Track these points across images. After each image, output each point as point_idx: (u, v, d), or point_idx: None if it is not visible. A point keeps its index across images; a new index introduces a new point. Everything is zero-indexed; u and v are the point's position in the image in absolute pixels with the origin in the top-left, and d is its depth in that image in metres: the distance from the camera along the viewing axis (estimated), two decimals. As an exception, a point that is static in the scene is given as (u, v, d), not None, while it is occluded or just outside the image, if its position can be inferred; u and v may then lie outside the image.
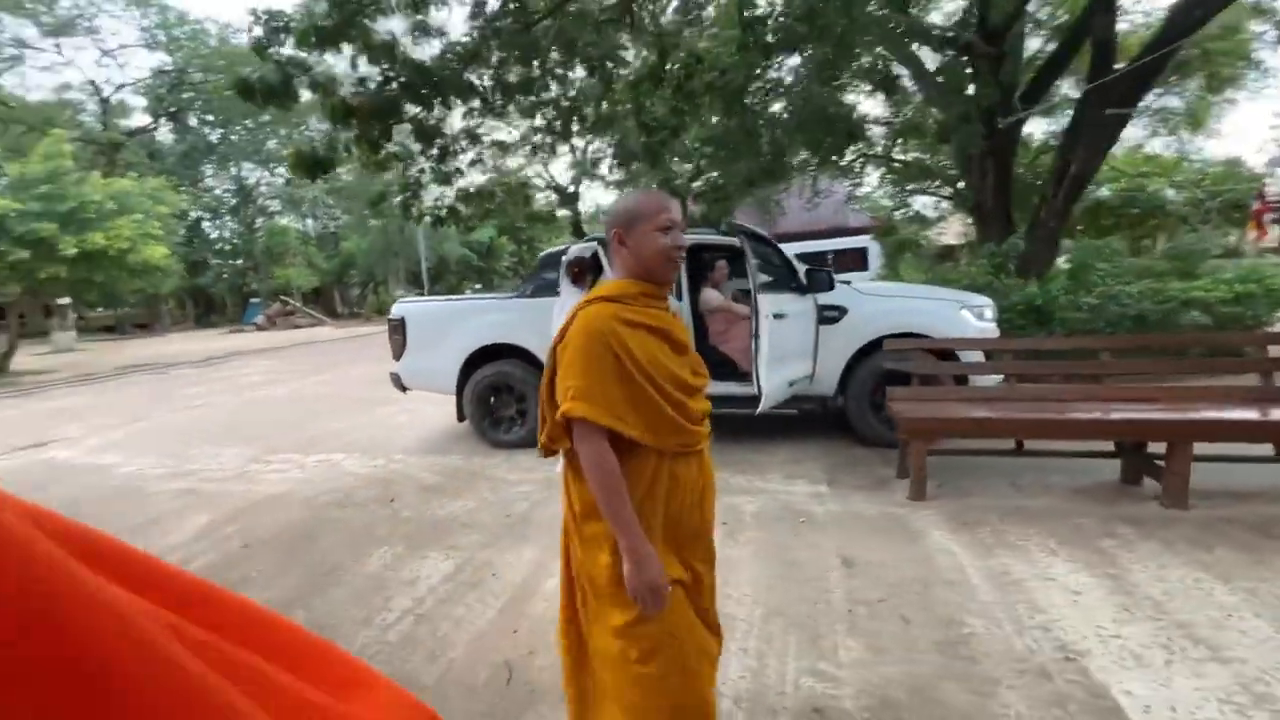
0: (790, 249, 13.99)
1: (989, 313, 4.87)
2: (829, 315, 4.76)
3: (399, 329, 5.63)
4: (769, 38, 4.58)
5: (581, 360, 1.34)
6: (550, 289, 4.98)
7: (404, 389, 5.79)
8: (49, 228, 13.96)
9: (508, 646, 2.44)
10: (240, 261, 35.65)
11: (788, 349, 4.40)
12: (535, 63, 4.66)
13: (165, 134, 32.35)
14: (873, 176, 16.18)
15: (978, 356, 4.49)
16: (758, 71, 5.68)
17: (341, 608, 2.82)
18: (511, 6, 4.39)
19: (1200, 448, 3.27)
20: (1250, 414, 3.21)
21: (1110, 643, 2.22)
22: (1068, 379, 4.31)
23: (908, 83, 8.26)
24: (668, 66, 5.12)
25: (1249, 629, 2.25)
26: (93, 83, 26.26)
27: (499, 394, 5.42)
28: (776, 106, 6.44)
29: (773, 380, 4.13)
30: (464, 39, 4.50)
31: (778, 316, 4.16)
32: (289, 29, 3.99)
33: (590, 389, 1.33)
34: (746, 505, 3.76)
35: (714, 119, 6.08)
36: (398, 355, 5.67)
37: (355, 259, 34.76)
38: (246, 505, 4.29)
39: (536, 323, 5.01)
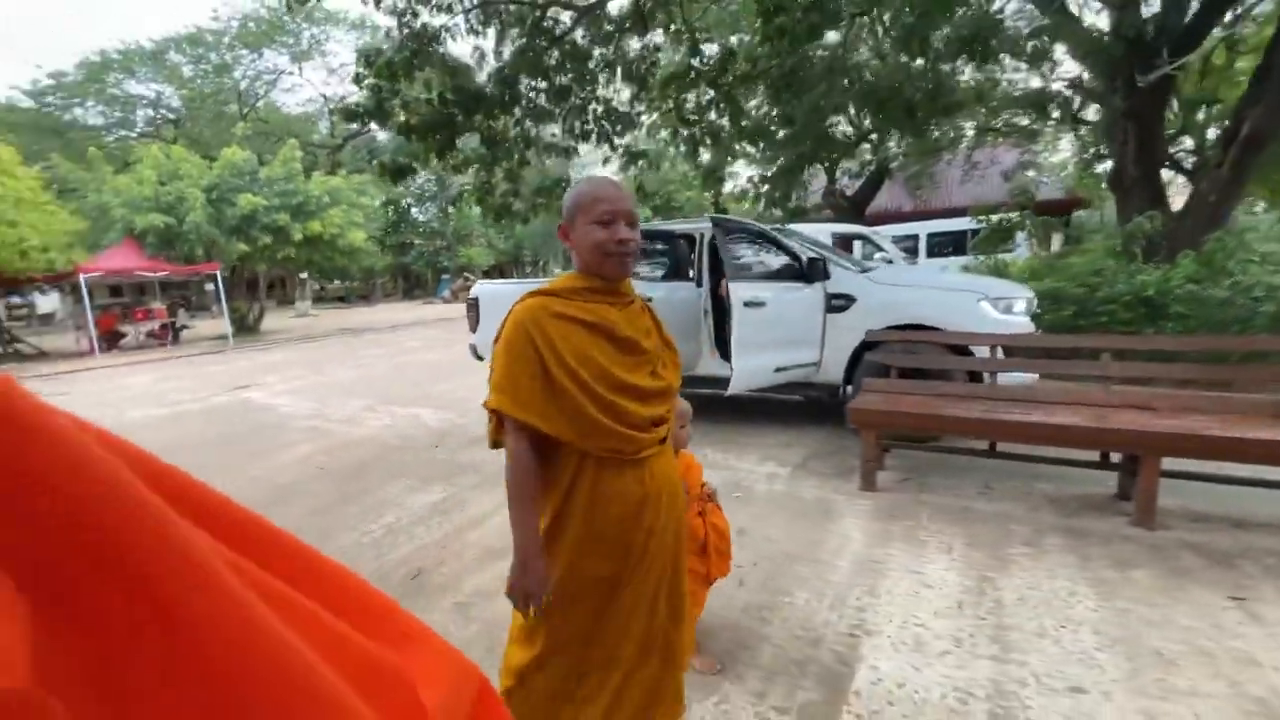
0: (888, 231, 13.11)
1: (1020, 306, 4.51)
2: (836, 304, 4.76)
3: (474, 307, 6.63)
4: (792, 27, 4.61)
5: (504, 354, 1.33)
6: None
7: (479, 358, 6.81)
8: (284, 218, 17.62)
9: (431, 557, 3.16)
10: (437, 242, 41.21)
11: (775, 335, 4.54)
12: (561, 77, 5.21)
13: (383, 136, 38.34)
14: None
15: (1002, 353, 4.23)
16: (809, 53, 5.62)
17: (345, 519, 3.75)
18: (534, 27, 4.98)
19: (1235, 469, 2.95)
20: (1244, 432, 2.80)
21: (908, 629, 2.32)
22: (1115, 381, 3.91)
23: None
24: (698, 61, 5.34)
25: (1069, 642, 2.19)
26: (324, 96, 31.96)
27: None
28: (845, 81, 6.27)
29: (747, 364, 4.34)
30: (497, 62, 5.23)
31: (752, 304, 4.34)
32: (371, 64, 5.05)
33: (509, 383, 1.31)
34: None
35: (763, 107, 6.11)
36: (473, 329, 6.69)
37: (524, 241, 38.33)
38: (340, 443, 5.55)
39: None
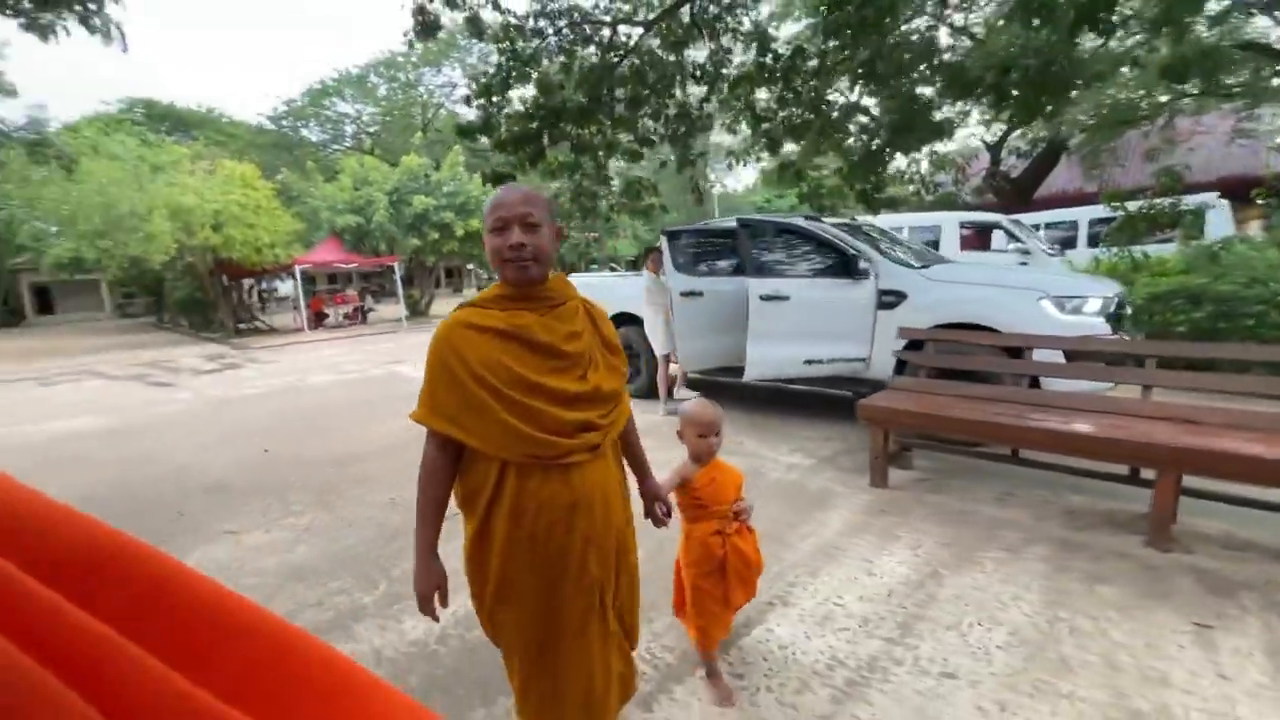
0: (1048, 218, 11.89)
1: (1092, 306, 4.14)
2: (887, 300, 4.71)
3: (567, 297, 7.36)
4: (851, 21, 4.59)
5: (427, 366, 1.37)
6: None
7: (573, 344, 7.53)
8: (449, 215, 20.05)
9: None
10: (588, 235, 43.84)
11: (801, 329, 4.69)
12: (636, 87, 5.58)
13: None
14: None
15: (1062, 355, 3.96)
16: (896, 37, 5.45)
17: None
18: (609, 44, 5.38)
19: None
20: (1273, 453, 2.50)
21: (824, 606, 2.49)
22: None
23: None
24: (767, 60, 5.40)
25: (975, 637, 2.24)
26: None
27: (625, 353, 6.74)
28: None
29: (761, 353, 4.58)
30: (580, 77, 5.77)
31: (771, 298, 4.54)
32: (476, 85, 5.89)
33: (428, 395, 1.36)
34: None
35: (844, 97, 5.97)
36: (565, 318, 7.43)
37: (666, 232, 39.36)
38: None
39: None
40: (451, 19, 5.88)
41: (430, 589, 1.40)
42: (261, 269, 18.39)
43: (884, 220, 8.76)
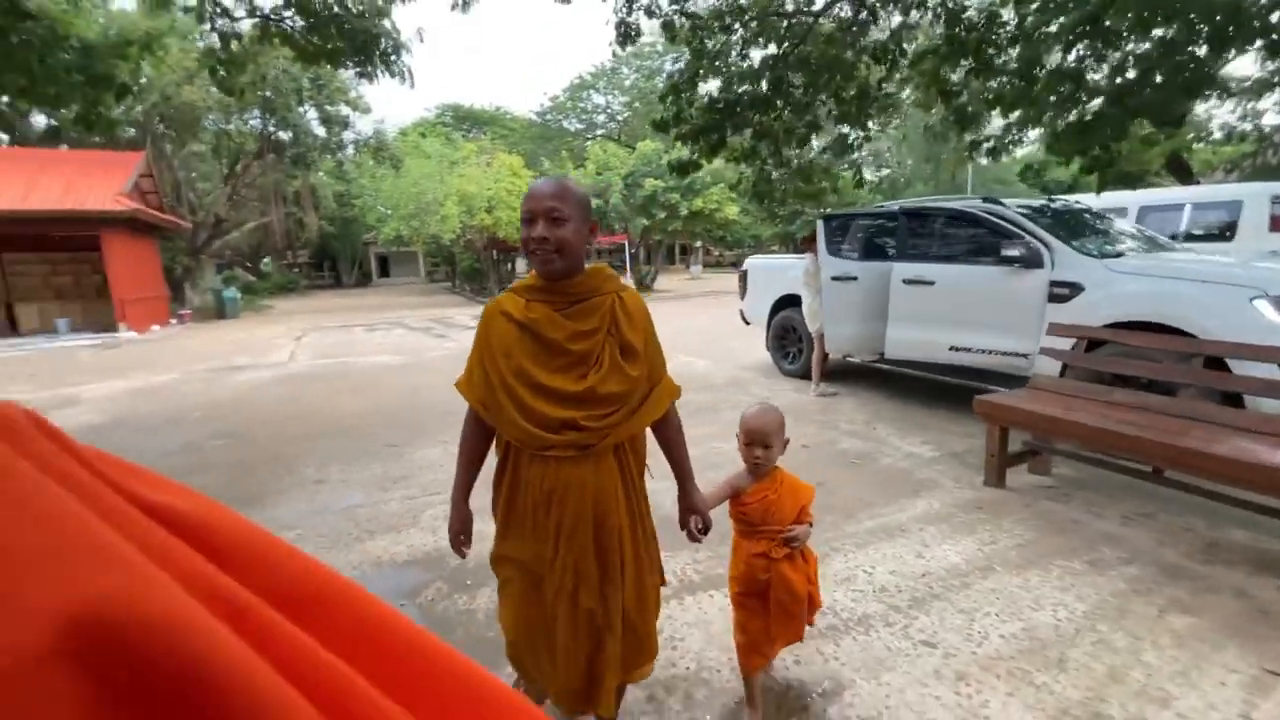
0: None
1: (1338, 309, 3.30)
2: (1058, 293, 4.28)
3: (743, 278, 7.75)
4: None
5: (473, 342, 1.53)
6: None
7: (746, 322, 7.91)
8: (675, 196, 21.39)
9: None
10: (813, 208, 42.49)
11: (947, 315, 4.61)
12: (814, 74, 5.51)
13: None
14: None
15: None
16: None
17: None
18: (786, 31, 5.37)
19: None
20: None
21: (853, 571, 2.71)
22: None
23: None
24: (959, 30, 4.92)
25: (983, 625, 2.30)
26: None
27: (788, 333, 6.95)
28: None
29: (898, 335, 4.82)
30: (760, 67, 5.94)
31: (914, 282, 4.46)
32: (666, 84, 6.52)
33: (468, 368, 1.52)
34: (846, 442, 4.49)
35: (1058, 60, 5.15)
36: (742, 296, 7.82)
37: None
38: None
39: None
40: (650, 26, 6.60)
41: (458, 529, 1.61)
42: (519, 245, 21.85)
43: (1109, 199, 7.38)
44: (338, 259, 36.54)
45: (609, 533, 1.49)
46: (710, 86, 6.67)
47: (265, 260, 32.67)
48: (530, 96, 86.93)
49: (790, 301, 6.86)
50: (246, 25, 6.31)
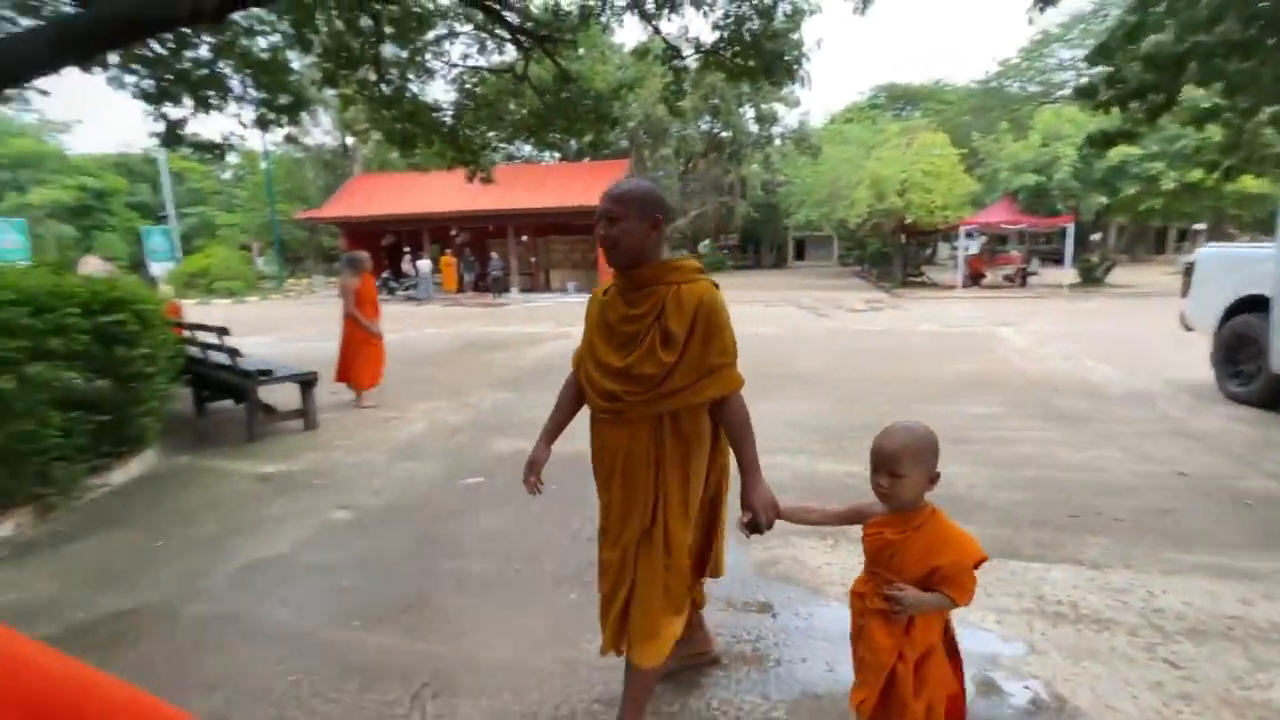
0: None
1: None
2: None
3: (1188, 271, 6.12)
4: None
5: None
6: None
7: (1187, 329, 6.23)
8: (1158, 165, 16.79)
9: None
10: None
11: None
12: None
13: None
14: None
15: None
16: None
17: (904, 393, 5.56)
18: None
19: None
20: None
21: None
22: None
23: None
24: None
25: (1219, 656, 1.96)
26: None
27: (1242, 346, 5.31)
28: None
29: None
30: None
31: None
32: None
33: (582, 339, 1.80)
34: (1252, 481, 3.55)
35: None
36: (1184, 295, 6.20)
37: None
38: (1004, 376, 6.94)
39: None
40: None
41: (528, 466, 1.83)
42: (933, 229, 20.55)
43: None
44: (759, 242, 40.63)
45: (632, 495, 1.66)
46: (1154, 40, 5.51)
47: (704, 243, 38.78)
48: (976, 65, 76.84)
49: (1253, 305, 5.23)
50: (693, 60, 8.17)
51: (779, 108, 24.88)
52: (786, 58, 6.96)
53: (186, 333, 5.36)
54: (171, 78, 7.02)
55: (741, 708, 1.91)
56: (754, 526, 1.58)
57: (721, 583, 2.18)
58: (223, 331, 4.91)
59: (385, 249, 22.25)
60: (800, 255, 42.39)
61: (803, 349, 8.54)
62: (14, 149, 32.50)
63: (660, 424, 1.64)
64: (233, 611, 2.49)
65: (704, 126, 25.58)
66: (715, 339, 1.60)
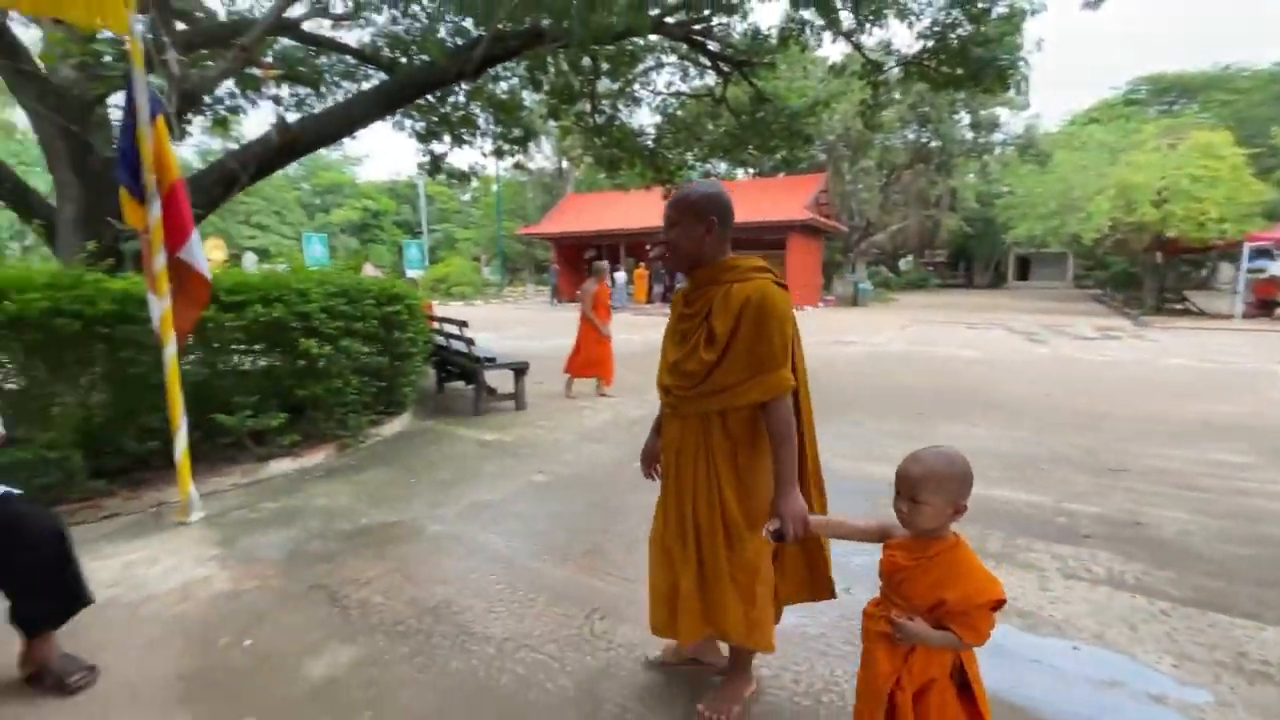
0: None
1: None
2: None
3: None
4: None
5: None
6: None
7: None
8: None
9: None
10: None
11: None
12: None
13: None
14: None
15: None
16: None
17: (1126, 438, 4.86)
18: None
19: None
20: None
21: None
22: None
23: None
24: None
25: None
26: None
27: None
28: None
29: None
30: None
31: None
32: None
33: None
34: None
35: None
36: None
37: None
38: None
39: None
40: None
41: (645, 456, 2.01)
42: (1204, 246, 16.95)
43: None
44: (973, 259, 36.77)
45: (681, 488, 1.75)
46: None
47: (907, 258, 36.17)
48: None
49: None
50: (895, 72, 7.97)
51: (1001, 112, 22.46)
52: (1000, 62, 6.53)
53: (435, 325, 6.67)
54: (436, 120, 8.74)
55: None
56: (779, 535, 1.58)
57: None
58: (463, 324, 6.06)
59: (587, 261, 24.50)
60: (1024, 274, 37.51)
61: (1003, 375, 7.80)
62: (324, 179, 41.67)
63: (709, 421, 1.69)
64: (460, 533, 3.23)
65: (910, 135, 24.05)
66: (763, 340, 1.59)
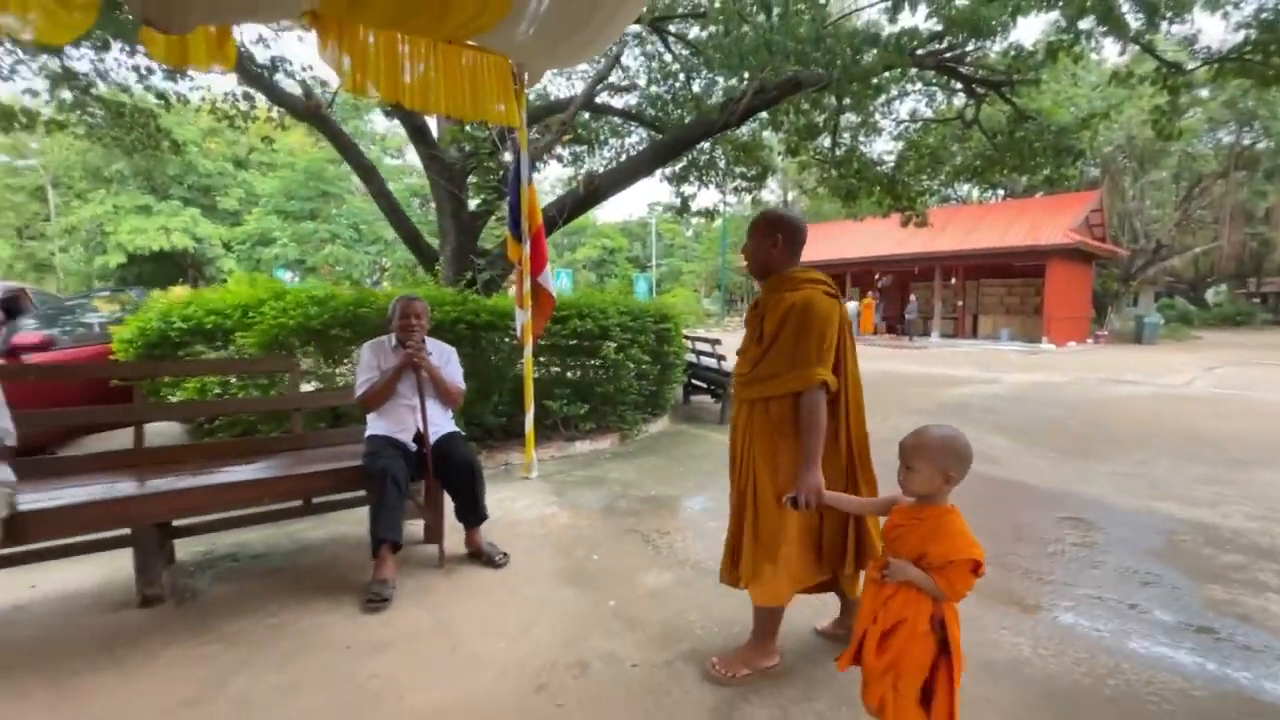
0: None
1: None
2: None
3: None
4: None
5: None
6: None
7: None
8: None
9: None
10: None
11: None
12: None
13: None
14: None
15: None
16: None
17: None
18: None
19: None
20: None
21: None
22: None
23: None
24: None
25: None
26: None
27: None
28: None
29: None
30: None
31: None
32: None
33: None
34: None
35: None
36: None
37: None
38: None
39: None
40: None
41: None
42: None
43: None
44: (1323, 288, 28.24)
45: (735, 459, 2.08)
46: None
47: (1217, 288, 29.36)
48: None
49: None
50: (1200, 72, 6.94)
51: (1374, 98, 17.30)
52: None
53: (689, 343, 7.54)
54: (685, 165, 9.84)
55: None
56: (794, 502, 1.84)
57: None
58: (716, 342, 6.80)
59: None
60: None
61: (1202, 409, 6.19)
62: (574, 222, 47.38)
63: (754, 407, 1.98)
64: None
65: (1224, 138, 19.76)
66: (803, 340, 1.87)
